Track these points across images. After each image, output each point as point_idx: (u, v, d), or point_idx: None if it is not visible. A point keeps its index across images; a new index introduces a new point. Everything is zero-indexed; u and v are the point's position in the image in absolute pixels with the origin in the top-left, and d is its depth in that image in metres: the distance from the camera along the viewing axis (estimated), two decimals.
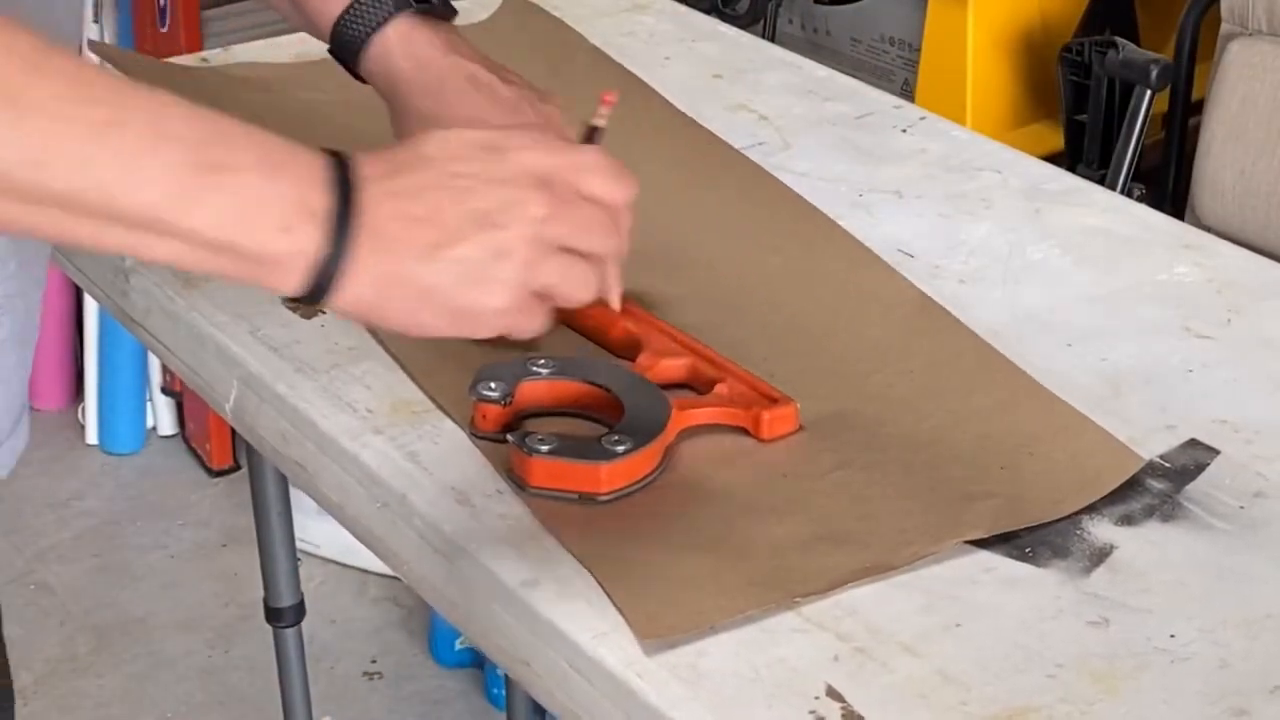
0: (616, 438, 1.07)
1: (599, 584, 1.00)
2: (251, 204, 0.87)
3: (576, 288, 0.96)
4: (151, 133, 0.85)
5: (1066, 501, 1.07)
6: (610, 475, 1.07)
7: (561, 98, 1.50)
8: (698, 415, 1.13)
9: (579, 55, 1.64)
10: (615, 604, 0.99)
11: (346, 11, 1.22)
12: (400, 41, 1.22)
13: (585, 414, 1.14)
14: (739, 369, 1.16)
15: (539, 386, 1.14)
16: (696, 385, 1.17)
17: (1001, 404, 1.16)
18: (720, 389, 1.15)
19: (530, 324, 0.96)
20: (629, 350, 1.19)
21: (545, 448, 1.07)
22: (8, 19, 0.82)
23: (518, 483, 1.08)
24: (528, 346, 1.14)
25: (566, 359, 1.16)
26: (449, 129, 0.95)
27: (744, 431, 1.13)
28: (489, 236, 0.92)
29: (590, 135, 1.05)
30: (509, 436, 1.09)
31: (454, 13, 1.26)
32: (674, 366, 1.17)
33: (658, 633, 0.97)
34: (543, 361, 1.14)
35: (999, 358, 1.21)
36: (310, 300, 0.90)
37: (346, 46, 1.23)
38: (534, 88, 1.25)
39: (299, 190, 0.88)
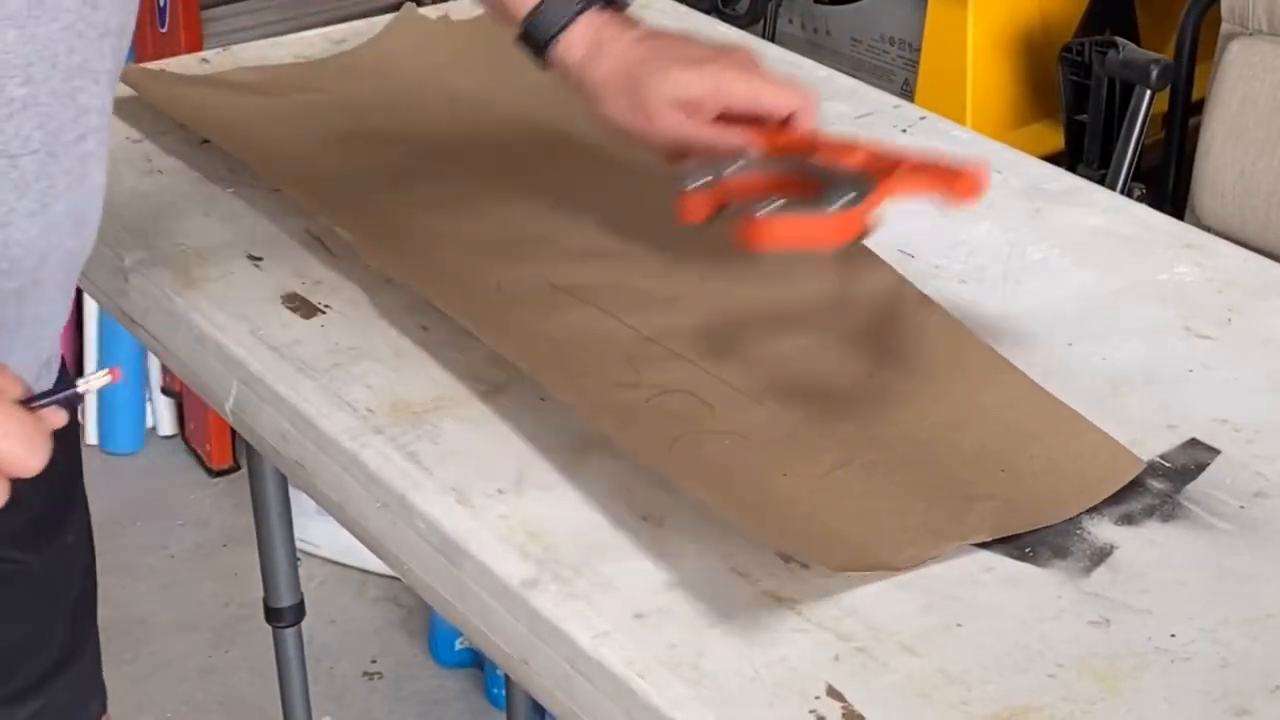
0: (837, 194, 1.12)
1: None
2: None
3: None
4: None
5: (1067, 504, 1.07)
6: (838, 225, 1.12)
7: (555, 96, 1.51)
8: (899, 183, 1.15)
9: None
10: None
11: (535, 10, 1.26)
12: (583, 34, 1.25)
13: (789, 197, 1.16)
14: (912, 154, 1.19)
15: (743, 176, 1.19)
16: (880, 170, 1.18)
17: (1002, 405, 1.16)
18: (905, 167, 1.17)
19: None
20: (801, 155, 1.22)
21: (774, 206, 1.11)
22: None
23: (748, 251, 1.12)
24: None
25: (756, 158, 1.21)
26: None
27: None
28: None
29: (68, 398, 0.96)
30: (737, 211, 1.13)
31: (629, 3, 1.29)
32: (854, 158, 1.20)
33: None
34: (739, 160, 1.19)
35: (999, 359, 1.21)
36: None
37: (534, 40, 1.27)
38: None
39: None
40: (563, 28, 1.25)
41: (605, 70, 1.24)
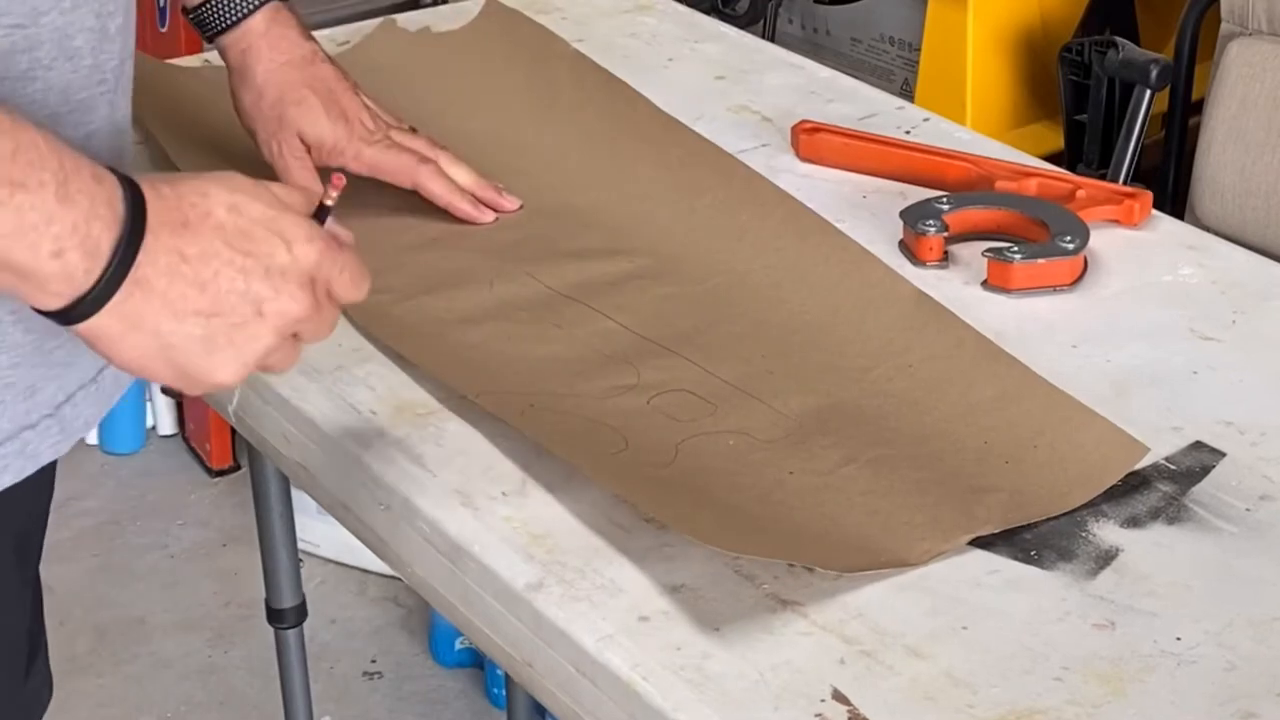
0: (1067, 238, 1.31)
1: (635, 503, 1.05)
2: (32, 225, 0.88)
3: (287, 366, 1.00)
4: None
5: (1073, 494, 1.07)
6: (1073, 267, 1.31)
7: (540, 103, 1.51)
8: (1094, 213, 1.37)
9: (560, 61, 1.63)
10: (656, 514, 1.04)
11: None
12: (256, 25, 1.36)
13: (1001, 235, 1.36)
14: (1079, 177, 1.41)
15: (962, 216, 1.36)
16: (1057, 197, 1.39)
17: (1003, 396, 1.16)
18: (1081, 195, 1.39)
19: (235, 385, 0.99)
20: (973, 185, 1.41)
21: (1020, 256, 1.30)
22: None
23: (996, 290, 1.30)
24: None
25: (962, 195, 1.39)
26: (239, 189, 0.97)
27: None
28: (248, 324, 0.95)
29: (320, 213, 1.01)
30: (985, 253, 1.31)
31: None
32: (1030, 187, 1.41)
33: (703, 537, 1.00)
34: (944, 198, 1.37)
35: (997, 351, 1.21)
36: (55, 318, 0.92)
37: (208, 21, 1.37)
38: (388, 116, 1.40)
39: (86, 222, 0.90)
40: (240, 19, 1.35)
41: (267, 70, 1.36)
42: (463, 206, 1.37)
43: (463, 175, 1.38)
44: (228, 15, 1.36)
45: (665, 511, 1.04)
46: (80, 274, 0.90)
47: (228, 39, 1.37)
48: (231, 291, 0.94)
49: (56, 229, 0.89)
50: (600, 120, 1.52)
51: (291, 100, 1.36)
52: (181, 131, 1.47)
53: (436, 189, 1.37)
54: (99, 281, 0.91)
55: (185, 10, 1.38)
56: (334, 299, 0.99)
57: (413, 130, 1.40)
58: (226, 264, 0.94)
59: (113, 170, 0.92)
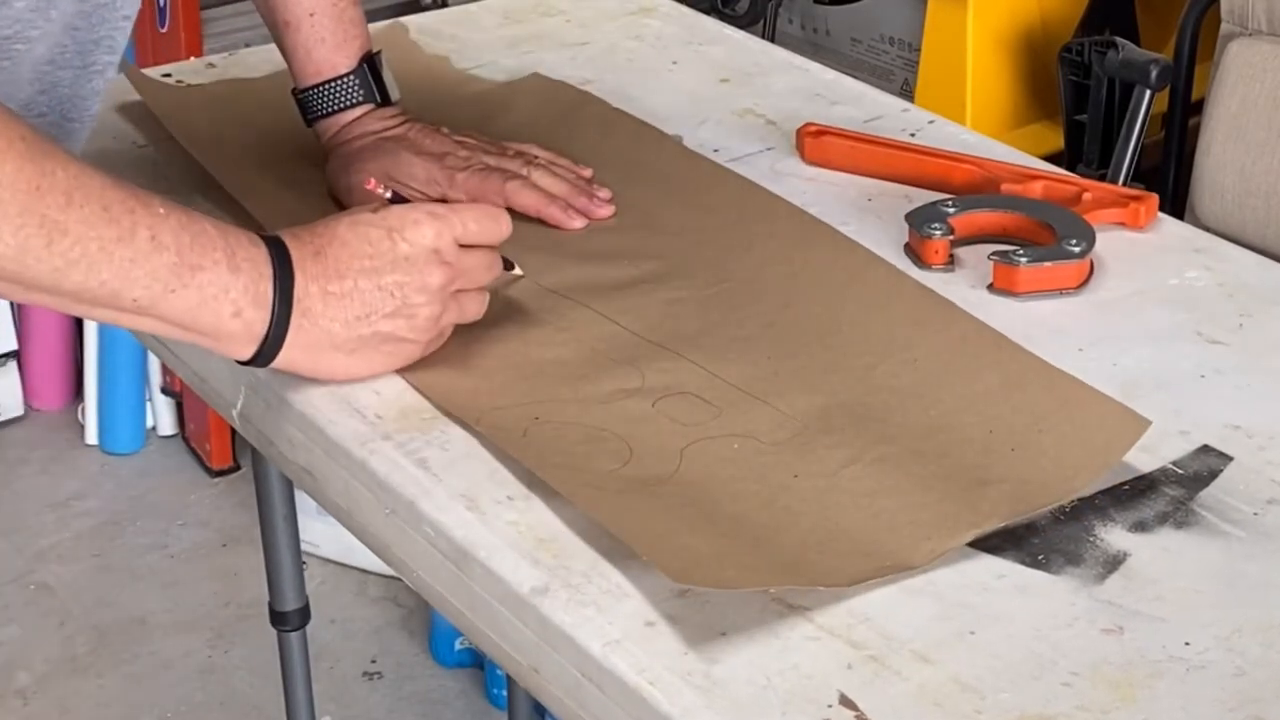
0: (1073, 241, 1.31)
1: (624, 541, 1.01)
2: (213, 297, 1.09)
3: (471, 316, 1.20)
4: (148, 245, 1.07)
5: (1079, 477, 1.08)
6: (1079, 270, 1.30)
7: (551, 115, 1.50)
8: (1100, 216, 1.37)
9: (593, 114, 1.61)
10: (641, 553, 1.00)
11: (321, 85, 1.42)
12: (348, 118, 1.43)
13: (1007, 238, 1.36)
14: (1085, 179, 1.42)
15: (968, 219, 1.36)
16: (1063, 200, 1.39)
17: (1007, 384, 1.17)
18: (1087, 198, 1.39)
19: (436, 346, 1.19)
20: (978, 188, 1.42)
21: (1027, 259, 1.29)
22: (50, 149, 1.03)
23: (1002, 293, 1.29)
24: None
25: (968, 198, 1.39)
26: (353, 214, 1.16)
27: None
28: (403, 308, 1.15)
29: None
30: (991, 256, 1.31)
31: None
32: (1035, 190, 1.41)
33: (686, 578, 0.98)
34: (950, 201, 1.37)
35: (1000, 339, 1.22)
36: (254, 363, 1.14)
37: (310, 105, 1.43)
38: (486, 143, 1.43)
39: (253, 282, 1.11)
40: (340, 110, 1.42)
41: (355, 146, 1.41)
42: (551, 211, 1.38)
43: (554, 185, 1.39)
44: (324, 107, 1.43)
45: (659, 555, 1.01)
46: (257, 324, 1.11)
47: (322, 125, 1.44)
48: (373, 291, 1.14)
49: (233, 294, 1.10)
50: (624, 159, 1.50)
51: (371, 156, 1.39)
52: (212, 145, 1.47)
53: (524, 201, 1.37)
54: (271, 324, 1.11)
55: (292, 90, 1.44)
56: (477, 243, 1.17)
57: (515, 152, 1.42)
58: (359, 272, 1.14)
59: (260, 232, 1.13)
